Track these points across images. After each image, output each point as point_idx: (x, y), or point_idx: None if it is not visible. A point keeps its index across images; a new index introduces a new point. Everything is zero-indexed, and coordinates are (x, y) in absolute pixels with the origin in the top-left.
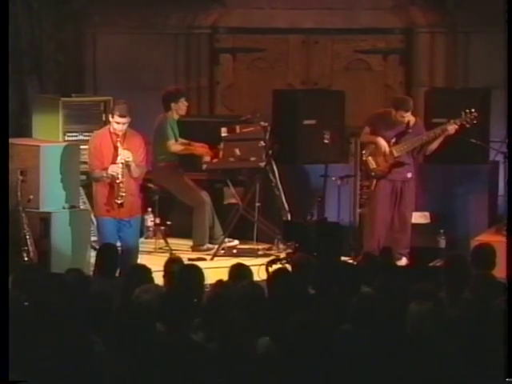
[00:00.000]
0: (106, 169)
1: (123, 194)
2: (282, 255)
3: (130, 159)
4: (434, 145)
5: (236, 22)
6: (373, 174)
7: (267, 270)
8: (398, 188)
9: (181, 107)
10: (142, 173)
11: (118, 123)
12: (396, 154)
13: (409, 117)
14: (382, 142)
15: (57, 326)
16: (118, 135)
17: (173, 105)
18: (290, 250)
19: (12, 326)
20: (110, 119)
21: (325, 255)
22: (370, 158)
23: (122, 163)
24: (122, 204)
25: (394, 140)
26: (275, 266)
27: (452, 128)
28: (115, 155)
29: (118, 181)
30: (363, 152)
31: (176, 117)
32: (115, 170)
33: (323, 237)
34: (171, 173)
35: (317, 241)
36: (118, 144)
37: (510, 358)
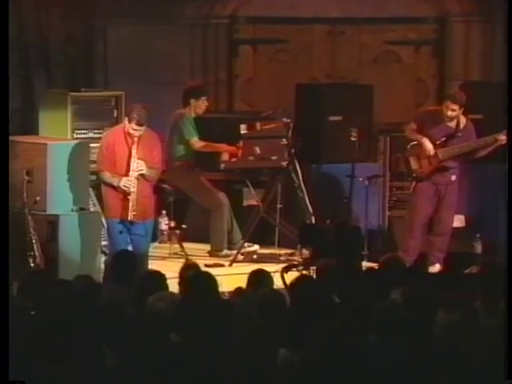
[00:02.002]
0: (117, 173)
1: (135, 208)
2: (297, 261)
3: (144, 171)
4: (483, 153)
5: (256, 11)
6: (414, 174)
7: (282, 276)
8: (441, 191)
9: (200, 105)
10: (156, 175)
11: (134, 130)
12: (441, 158)
13: (456, 112)
14: (428, 145)
15: (65, 336)
16: (133, 137)
17: (192, 101)
18: (306, 256)
19: (18, 336)
20: (126, 123)
21: (345, 261)
22: (412, 157)
23: (134, 176)
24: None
25: (441, 141)
26: (291, 273)
27: (505, 138)
28: (129, 160)
29: (129, 197)
30: (408, 147)
31: (193, 115)
32: (127, 183)
33: (342, 241)
34: (187, 173)
35: (335, 246)
36: (133, 150)
37: (510, 358)
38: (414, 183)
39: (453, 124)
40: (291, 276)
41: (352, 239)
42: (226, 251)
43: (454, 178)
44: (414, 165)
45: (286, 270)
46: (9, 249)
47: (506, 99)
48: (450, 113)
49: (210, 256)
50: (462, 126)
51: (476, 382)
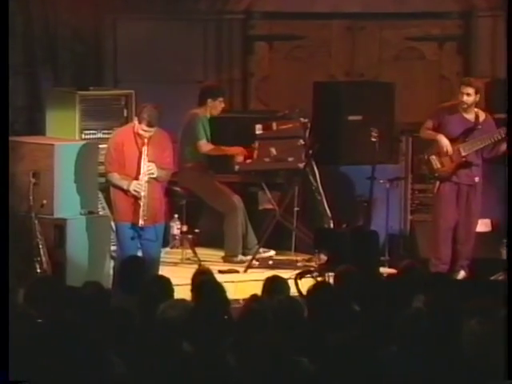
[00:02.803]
0: (126, 174)
1: (146, 212)
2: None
3: (155, 174)
4: (504, 146)
5: (272, 6)
6: (436, 174)
7: (296, 283)
8: (464, 193)
9: (216, 106)
10: (167, 176)
11: (144, 131)
12: (464, 153)
13: (472, 97)
14: (444, 141)
15: (73, 345)
16: (143, 138)
17: (209, 101)
18: (321, 261)
19: (24, 344)
20: (135, 123)
21: (362, 267)
22: (433, 156)
23: (145, 180)
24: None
25: (461, 137)
26: (305, 279)
27: None
28: (139, 162)
29: (140, 201)
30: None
31: (208, 115)
32: (138, 188)
33: (358, 247)
34: (200, 175)
35: (351, 251)
36: (144, 151)
37: (510, 358)
38: (437, 184)
39: (471, 117)
40: (305, 283)
41: (369, 244)
42: (240, 257)
43: (477, 179)
44: (435, 164)
45: (300, 276)
46: (14, 254)
47: (507, 99)
48: (465, 98)
49: (224, 262)
50: (481, 119)
51: (476, 381)
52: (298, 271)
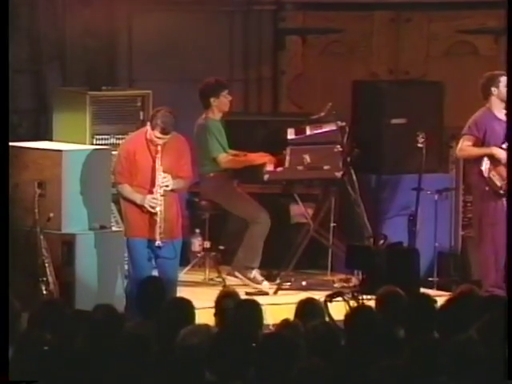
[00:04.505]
0: (139, 186)
1: (163, 229)
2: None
3: (170, 187)
4: None
5: None
6: (501, 192)
7: (326, 306)
8: None
9: (223, 102)
10: (185, 186)
11: (158, 138)
12: None
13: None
14: (501, 153)
15: (84, 375)
16: (157, 145)
17: (212, 100)
18: (354, 282)
19: (31, 372)
20: (148, 128)
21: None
22: (493, 173)
23: (160, 193)
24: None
25: (503, 141)
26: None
27: None
28: (153, 173)
29: (156, 217)
30: (482, 168)
31: (218, 116)
32: (153, 202)
33: (394, 266)
34: (223, 185)
35: (387, 271)
36: (157, 160)
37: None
38: (503, 201)
39: (502, 115)
40: (336, 307)
41: (409, 264)
42: (254, 273)
43: None
44: (498, 181)
45: (330, 298)
46: (17, 273)
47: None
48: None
49: (229, 275)
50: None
51: (476, 381)
52: (328, 293)
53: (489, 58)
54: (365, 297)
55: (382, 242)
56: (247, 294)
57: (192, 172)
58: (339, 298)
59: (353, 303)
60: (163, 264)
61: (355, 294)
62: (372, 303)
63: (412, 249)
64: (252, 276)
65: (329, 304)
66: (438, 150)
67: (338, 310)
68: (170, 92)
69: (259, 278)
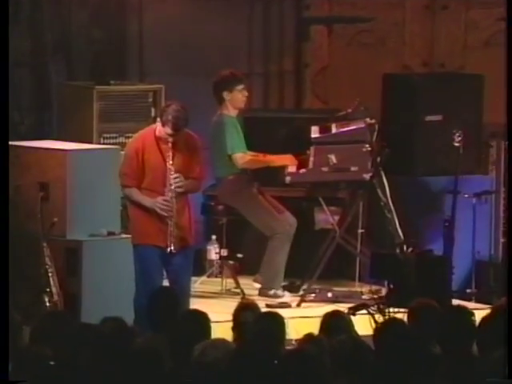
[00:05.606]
0: (148, 189)
1: (175, 235)
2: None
3: (182, 188)
4: None
5: None
6: None
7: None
8: None
9: (237, 97)
10: (197, 187)
11: (169, 135)
12: None
13: None
14: None
15: None
16: (167, 143)
17: (225, 94)
18: (380, 293)
19: None
20: (158, 125)
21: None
22: None
23: (172, 196)
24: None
25: None
26: (360, 314)
27: None
28: (164, 173)
29: (169, 221)
30: None
31: (234, 113)
32: (164, 206)
33: (424, 275)
34: (241, 188)
35: (415, 281)
36: (168, 160)
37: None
38: None
39: None
40: (360, 319)
41: (438, 273)
42: (274, 291)
43: None
44: None
45: (354, 311)
46: (18, 284)
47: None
48: None
49: (260, 295)
50: None
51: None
52: (351, 305)
53: None
54: (391, 309)
55: (410, 249)
56: (268, 306)
57: (204, 172)
58: (363, 311)
59: (378, 317)
60: (175, 273)
61: (381, 307)
62: (399, 316)
63: (443, 257)
64: (272, 293)
65: (352, 317)
66: (477, 150)
67: (361, 324)
68: (183, 87)
69: (280, 293)
